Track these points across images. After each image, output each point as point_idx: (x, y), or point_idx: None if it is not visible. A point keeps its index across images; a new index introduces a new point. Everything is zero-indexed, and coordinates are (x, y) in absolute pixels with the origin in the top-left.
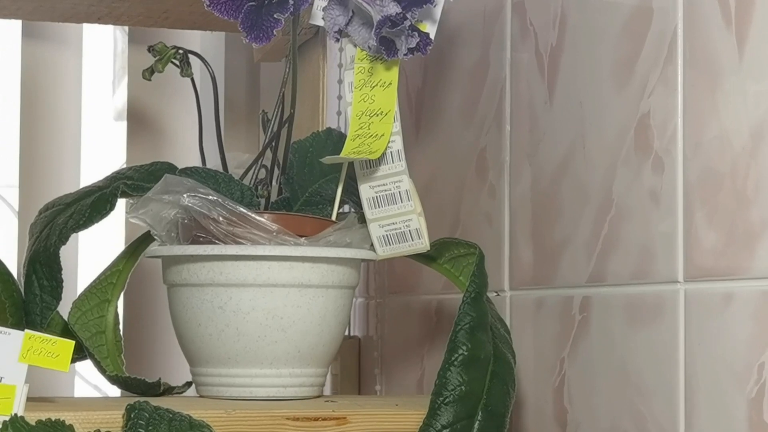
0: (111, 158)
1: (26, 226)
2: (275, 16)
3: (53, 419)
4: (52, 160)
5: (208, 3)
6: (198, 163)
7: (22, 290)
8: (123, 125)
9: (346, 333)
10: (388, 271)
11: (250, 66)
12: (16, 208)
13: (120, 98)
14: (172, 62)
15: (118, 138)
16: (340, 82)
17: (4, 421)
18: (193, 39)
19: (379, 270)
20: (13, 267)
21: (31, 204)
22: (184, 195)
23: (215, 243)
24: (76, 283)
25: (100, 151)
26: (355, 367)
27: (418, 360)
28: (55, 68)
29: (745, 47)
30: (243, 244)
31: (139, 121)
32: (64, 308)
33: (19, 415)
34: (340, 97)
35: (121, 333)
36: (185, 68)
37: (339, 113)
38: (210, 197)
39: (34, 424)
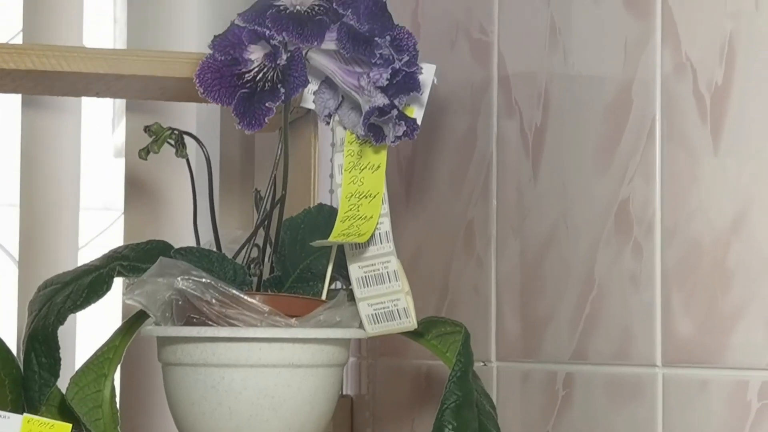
0: (110, 197)
1: (27, 278)
2: (267, 104)
3: None
4: (51, 182)
5: (202, 90)
6: (193, 233)
7: (22, 366)
8: (122, 161)
9: (340, 392)
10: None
11: (244, 137)
12: (17, 257)
13: (119, 136)
14: (167, 142)
15: (117, 175)
16: (332, 161)
17: None
18: (190, 108)
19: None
20: (13, 313)
21: (31, 256)
22: (178, 278)
23: (208, 324)
24: (74, 357)
25: (100, 188)
26: (347, 425)
27: (409, 422)
28: (55, 124)
29: (720, 140)
30: (235, 325)
31: (137, 160)
32: (63, 382)
33: None
34: (332, 176)
35: (118, 406)
36: (180, 149)
37: (331, 191)
38: (203, 280)
39: None
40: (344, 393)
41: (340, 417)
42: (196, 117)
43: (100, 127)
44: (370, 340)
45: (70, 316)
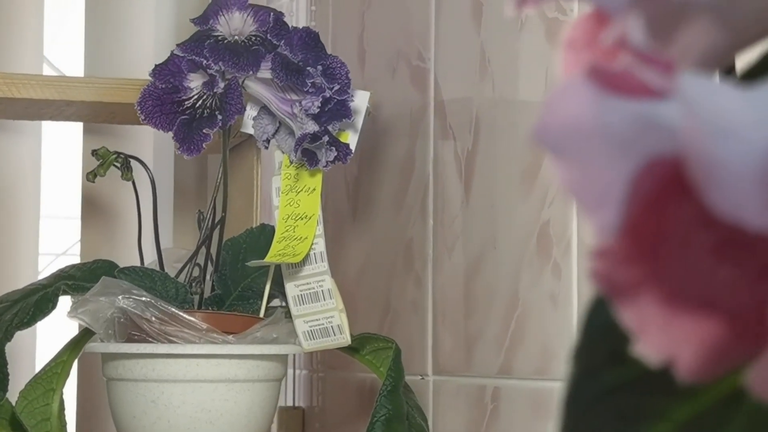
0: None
1: None
2: (204, 130)
3: None
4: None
5: (143, 117)
6: (144, 252)
7: None
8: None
9: (292, 404)
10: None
11: (196, 158)
12: None
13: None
14: (114, 165)
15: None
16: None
17: None
18: (146, 131)
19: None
20: None
21: None
22: (120, 296)
23: (149, 341)
24: (33, 369)
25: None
26: None
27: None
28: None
29: None
30: (174, 342)
31: (92, 197)
32: (14, 396)
33: None
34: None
35: (74, 419)
36: (125, 172)
37: (276, 208)
38: (143, 298)
39: None
40: (296, 405)
41: (291, 428)
42: (153, 140)
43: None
44: (321, 353)
45: (29, 331)
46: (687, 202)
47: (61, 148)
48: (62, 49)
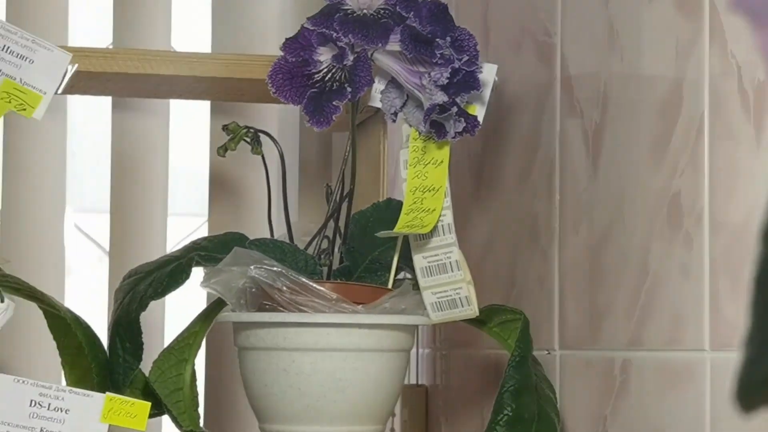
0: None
1: (116, 272)
2: (334, 103)
3: None
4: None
5: (274, 90)
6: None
7: (107, 351)
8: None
9: (415, 382)
10: (452, 325)
11: (322, 135)
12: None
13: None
14: (244, 140)
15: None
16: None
17: None
18: (271, 109)
19: (446, 323)
20: (103, 305)
21: (127, 242)
22: (251, 267)
23: (280, 311)
24: (162, 343)
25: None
26: (422, 413)
27: (479, 410)
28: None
29: (762, 135)
30: (305, 311)
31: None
32: (148, 366)
33: None
34: (400, 175)
35: (203, 389)
36: (255, 146)
37: (404, 181)
38: (275, 268)
39: None
40: (419, 383)
41: (415, 406)
42: (278, 118)
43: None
44: (444, 331)
45: (159, 304)
46: None
47: (188, 127)
48: (188, 30)
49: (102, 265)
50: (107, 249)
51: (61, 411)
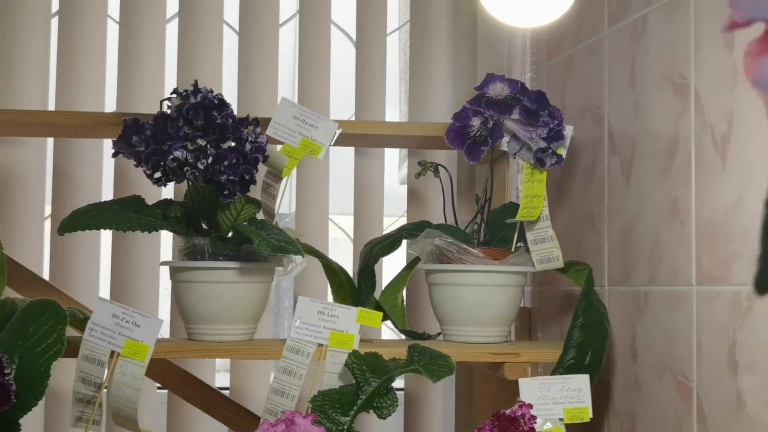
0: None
1: (358, 245)
2: (482, 148)
3: (371, 352)
4: (370, 198)
5: (448, 141)
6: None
7: (356, 284)
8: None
9: (523, 305)
10: (546, 273)
11: (471, 166)
12: (351, 236)
13: (403, 170)
14: (429, 170)
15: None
16: (517, 178)
17: (349, 353)
18: (444, 152)
19: (544, 271)
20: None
21: (362, 229)
22: (436, 239)
23: (451, 263)
24: (381, 281)
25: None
26: (526, 326)
27: (560, 323)
28: None
29: (726, 165)
30: (465, 264)
31: (415, 181)
32: (377, 294)
33: (355, 349)
34: (518, 188)
35: (406, 308)
36: (436, 173)
37: (520, 191)
38: (449, 240)
39: (363, 353)
40: (524, 306)
41: (524, 320)
42: (445, 156)
43: (392, 165)
44: (540, 275)
45: (380, 262)
46: None
47: (388, 166)
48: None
49: (349, 244)
50: (352, 236)
51: (335, 317)
